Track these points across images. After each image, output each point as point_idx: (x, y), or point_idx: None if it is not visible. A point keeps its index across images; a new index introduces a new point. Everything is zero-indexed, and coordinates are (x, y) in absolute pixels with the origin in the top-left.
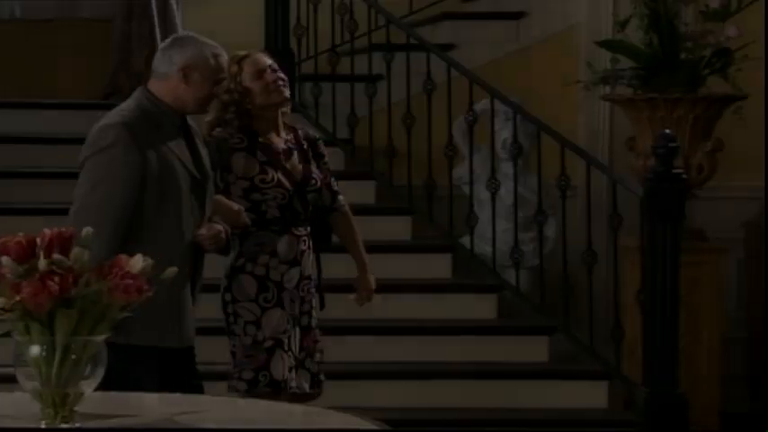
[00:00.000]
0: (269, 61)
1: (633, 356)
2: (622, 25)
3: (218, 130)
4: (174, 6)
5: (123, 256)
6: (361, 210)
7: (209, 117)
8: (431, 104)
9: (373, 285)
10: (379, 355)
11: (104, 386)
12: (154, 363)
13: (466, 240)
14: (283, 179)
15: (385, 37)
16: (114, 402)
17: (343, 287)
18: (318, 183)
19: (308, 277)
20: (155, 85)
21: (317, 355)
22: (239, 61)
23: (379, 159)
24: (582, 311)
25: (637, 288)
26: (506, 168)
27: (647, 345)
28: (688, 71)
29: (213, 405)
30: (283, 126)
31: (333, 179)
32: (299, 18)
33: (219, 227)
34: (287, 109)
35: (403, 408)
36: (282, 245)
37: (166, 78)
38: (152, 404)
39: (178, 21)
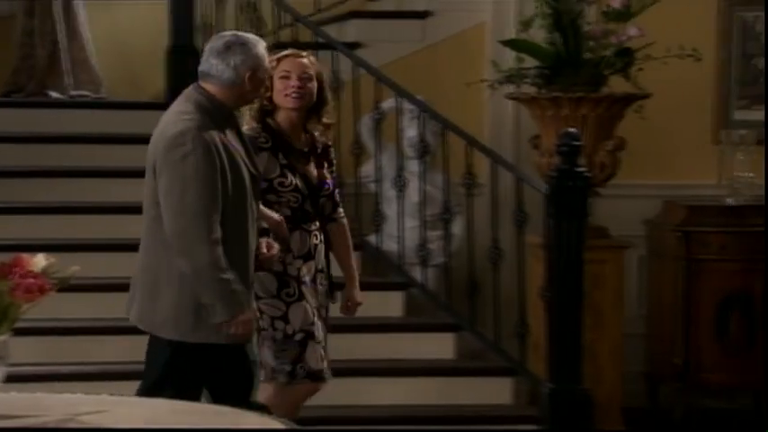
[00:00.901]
0: (304, 69)
1: (538, 353)
2: (526, 25)
3: (245, 127)
4: (79, 3)
5: (25, 256)
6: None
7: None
8: (338, 102)
9: (359, 299)
10: None
11: (177, 386)
12: (219, 358)
13: (373, 238)
14: (300, 183)
15: (291, 35)
16: (18, 403)
17: None
18: (331, 188)
19: (321, 270)
20: (215, 89)
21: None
22: (280, 59)
23: None
24: (488, 308)
25: (541, 285)
26: (413, 166)
27: (551, 341)
28: (591, 70)
29: (115, 405)
30: (304, 129)
31: (336, 189)
32: (204, 15)
33: (276, 248)
34: (328, 113)
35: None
36: (295, 241)
37: (234, 86)
38: (55, 404)
39: (82, 18)
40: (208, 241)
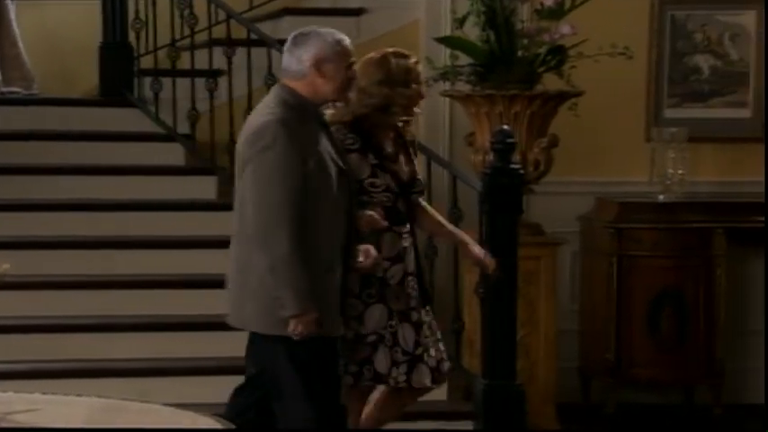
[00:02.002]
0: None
1: (473, 349)
2: (460, 22)
3: (331, 129)
4: (8, 1)
5: None
6: (202, 206)
7: (337, 113)
8: None
9: (481, 253)
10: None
11: (289, 381)
12: (331, 352)
13: None
14: (392, 182)
15: (225, 32)
16: None
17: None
18: (422, 183)
19: (411, 273)
20: (293, 84)
21: (435, 350)
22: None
23: (220, 154)
24: None
25: (476, 281)
26: None
27: (485, 337)
28: (524, 68)
29: (48, 403)
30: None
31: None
32: (137, 12)
33: (373, 254)
34: (418, 110)
35: None
36: (386, 243)
37: (302, 77)
38: None
39: (12, 15)
40: (286, 236)
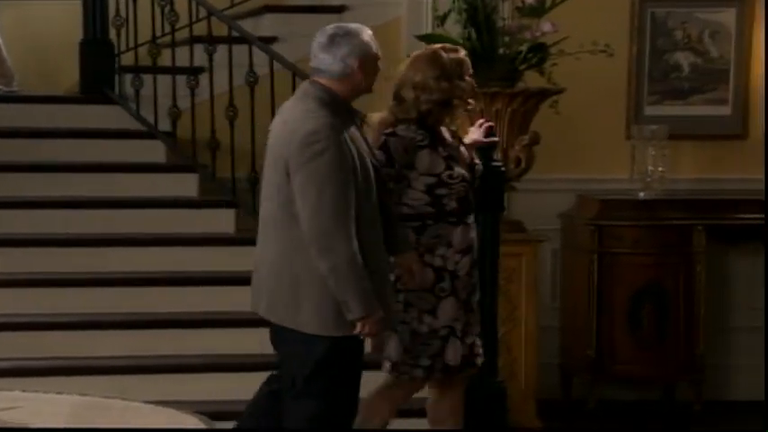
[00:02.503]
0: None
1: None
2: (442, 20)
3: (400, 127)
4: None
5: None
6: (184, 203)
7: (386, 115)
8: (253, 97)
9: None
10: (218, 347)
11: (331, 379)
12: (362, 350)
13: None
14: (465, 172)
15: (206, 29)
16: None
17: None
18: (480, 167)
19: (475, 264)
20: (329, 83)
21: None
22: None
23: (201, 152)
24: None
25: None
26: None
27: None
28: (506, 66)
29: (29, 401)
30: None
31: None
32: (118, 9)
33: (417, 269)
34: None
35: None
36: (458, 235)
37: (345, 77)
38: None
39: None
40: (346, 238)
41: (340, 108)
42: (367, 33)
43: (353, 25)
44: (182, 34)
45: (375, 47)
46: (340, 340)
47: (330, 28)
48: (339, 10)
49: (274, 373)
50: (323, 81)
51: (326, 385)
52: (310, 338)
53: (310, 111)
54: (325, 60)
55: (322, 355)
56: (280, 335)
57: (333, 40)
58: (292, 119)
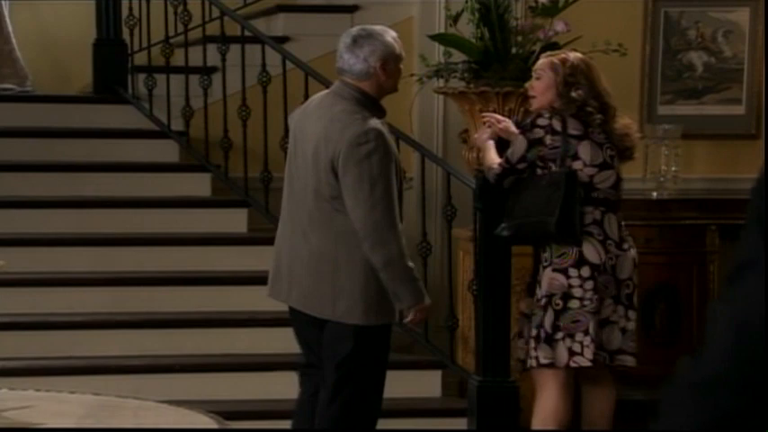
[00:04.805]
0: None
1: (467, 346)
2: (454, 19)
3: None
4: None
5: None
6: (196, 203)
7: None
8: (266, 97)
9: None
10: (230, 346)
11: (368, 368)
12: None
13: None
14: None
15: (219, 29)
16: None
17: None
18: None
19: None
20: (356, 83)
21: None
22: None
23: (214, 152)
24: None
25: (470, 278)
26: None
27: (479, 334)
28: (519, 65)
29: (41, 400)
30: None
31: None
32: (131, 9)
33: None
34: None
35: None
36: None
37: (369, 77)
38: None
39: (6, 12)
40: (396, 233)
41: (374, 106)
42: (390, 35)
43: (378, 27)
44: (195, 34)
45: (399, 48)
46: (377, 329)
47: (355, 29)
48: (351, 9)
49: (306, 370)
50: (352, 81)
51: (364, 373)
52: (350, 328)
53: (354, 113)
54: (349, 61)
55: (360, 344)
56: (314, 326)
57: (356, 41)
58: (335, 119)
